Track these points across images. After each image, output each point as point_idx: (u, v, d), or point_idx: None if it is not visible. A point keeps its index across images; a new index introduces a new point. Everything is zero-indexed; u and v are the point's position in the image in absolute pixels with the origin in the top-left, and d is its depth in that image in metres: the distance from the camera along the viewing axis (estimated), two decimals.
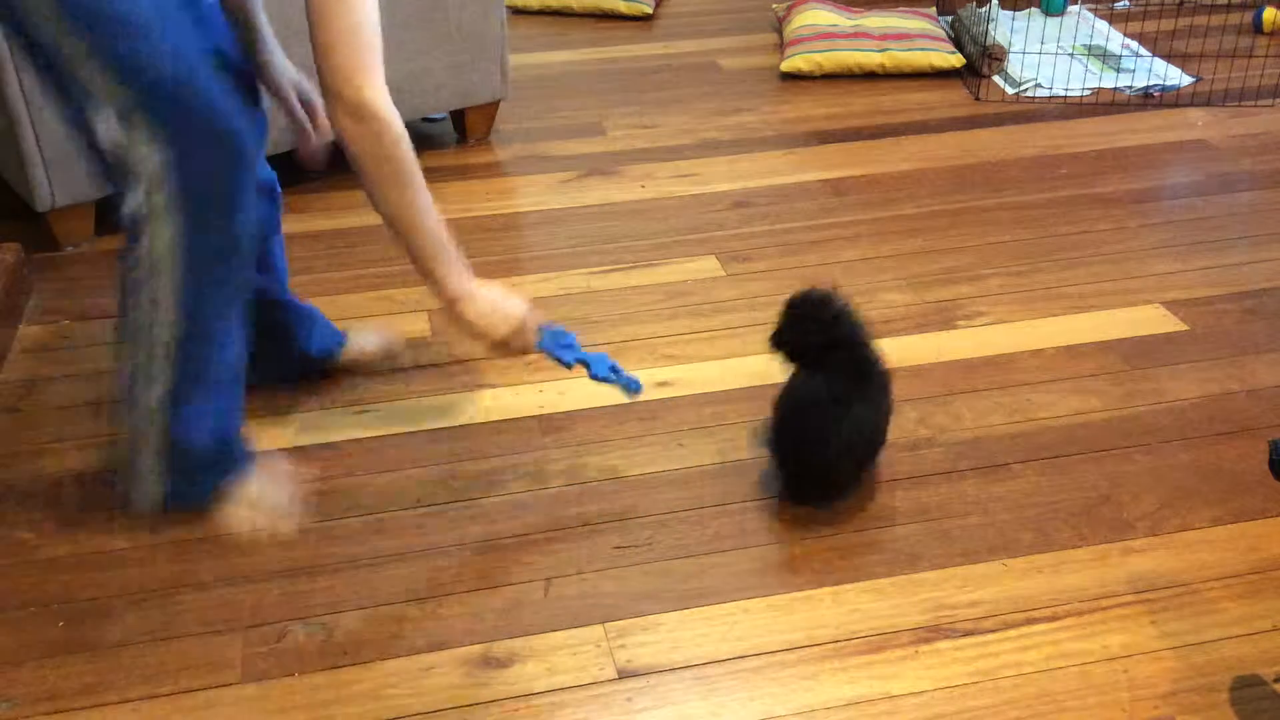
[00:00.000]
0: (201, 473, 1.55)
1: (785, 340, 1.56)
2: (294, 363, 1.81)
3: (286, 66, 1.67)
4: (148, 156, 1.37)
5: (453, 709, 1.29)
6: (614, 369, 1.64)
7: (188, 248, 1.42)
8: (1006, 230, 2.28)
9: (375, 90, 1.39)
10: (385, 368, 1.88)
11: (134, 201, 1.40)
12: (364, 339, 1.88)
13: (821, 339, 1.53)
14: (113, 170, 1.41)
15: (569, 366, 1.62)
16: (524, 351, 1.60)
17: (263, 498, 1.58)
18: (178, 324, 1.45)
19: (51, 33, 1.33)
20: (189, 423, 1.50)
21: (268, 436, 1.73)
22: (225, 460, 1.56)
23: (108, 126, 1.37)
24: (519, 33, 3.42)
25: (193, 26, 1.40)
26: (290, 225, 2.16)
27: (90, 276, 2.17)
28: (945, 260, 2.17)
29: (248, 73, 1.53)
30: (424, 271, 1.51)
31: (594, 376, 1.63)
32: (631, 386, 1.63)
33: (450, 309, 1.54)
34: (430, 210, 1.48)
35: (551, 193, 2.47)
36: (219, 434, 1.54)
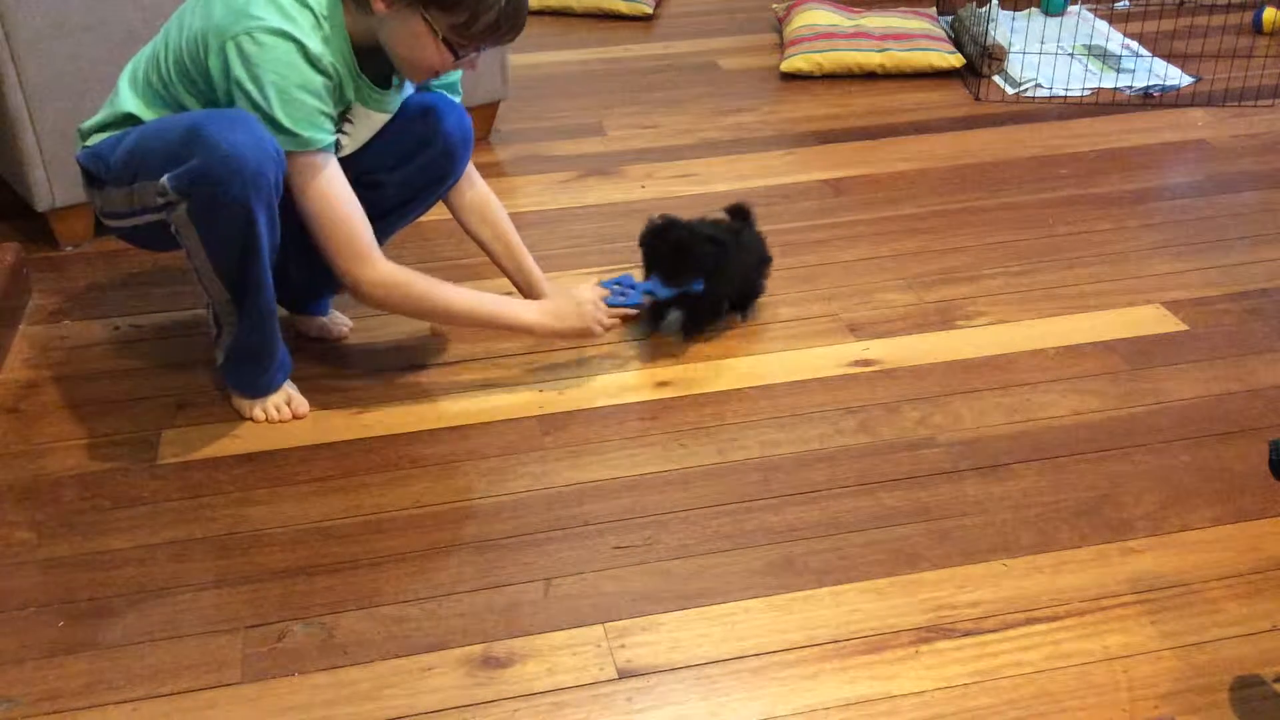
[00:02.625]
0: (250, 373, 1.76)
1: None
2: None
3: None
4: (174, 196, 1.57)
5: (453, 709, 1.29)
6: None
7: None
8: (1006, 230, 2.28)
9: (371, 268, 1.64)
10: (386, 366, 1.88)
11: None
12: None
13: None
14: None
15: (641, 306, 1.92)
16: (605, 326, 1.85)
17: (291, 399, 1.79)
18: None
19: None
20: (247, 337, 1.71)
21: (268, 436, 1.73)
22: (269, 370, 1.75)
23: None
24: None
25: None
26: None
27: (90, 276, 2.17)
28: (945, 260, 2.17)
29: None
30: (499, 332, 1.86)
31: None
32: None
33: (533, 337, 1.88)
34: (470, 305, 1.74)
35: (551, 193, 2.47)
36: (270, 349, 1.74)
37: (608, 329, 1.86)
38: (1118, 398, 1.79)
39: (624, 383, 1.85)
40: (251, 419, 1.77)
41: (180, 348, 1.95)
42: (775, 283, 2.10)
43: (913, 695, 1.30)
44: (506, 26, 1.58)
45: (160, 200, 1.56)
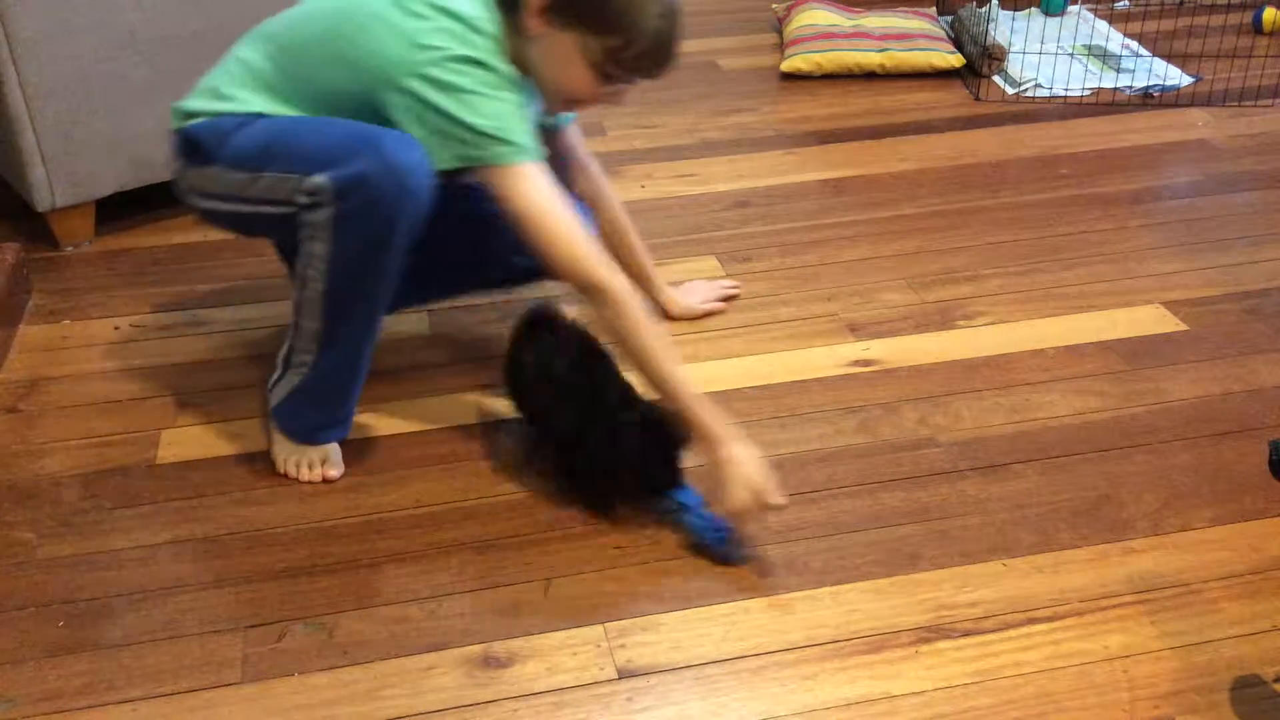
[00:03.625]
0: (308, 418, 1.66)
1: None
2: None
3: None
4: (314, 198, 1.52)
5: (453, 709, 1.29)
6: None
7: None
8: (1006, 230, 2.28)
9: (599, 275, 1.51)
10: (386, 366, 1.88)
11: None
12: None
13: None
14: None
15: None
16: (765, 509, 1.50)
17: (328, 459, 1.67)
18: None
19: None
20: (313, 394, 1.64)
21: (266, 437, 1.73)
22: (329, 423, 1.67)
23: None
24: None
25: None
26: None
27: (90, 276, 2.18)
28: (945, 260, 2.17)
29: None
30: (689, 419, 1.52)
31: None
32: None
33: (716, 454, 1.49)
34: (669, 359, 1.52)
35: None
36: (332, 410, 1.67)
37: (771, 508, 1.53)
38: (1118, 398, 1.79)
39: None
40: (283, 472, 1.66)
41: (180, 348, 1.95)
42: (776, 283, 2.10)
43: (913, 695, 1.30)
44: (659, 57, 1.53)
45: (304, 199, 1.50)
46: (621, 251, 1.89)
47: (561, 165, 1.75)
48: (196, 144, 1.60)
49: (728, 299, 2.05)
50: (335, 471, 1.66)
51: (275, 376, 1.66)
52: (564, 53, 1.52)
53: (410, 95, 1.48)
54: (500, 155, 1.49)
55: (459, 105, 1.47)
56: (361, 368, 1.64)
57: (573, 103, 1.63)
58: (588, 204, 1.84)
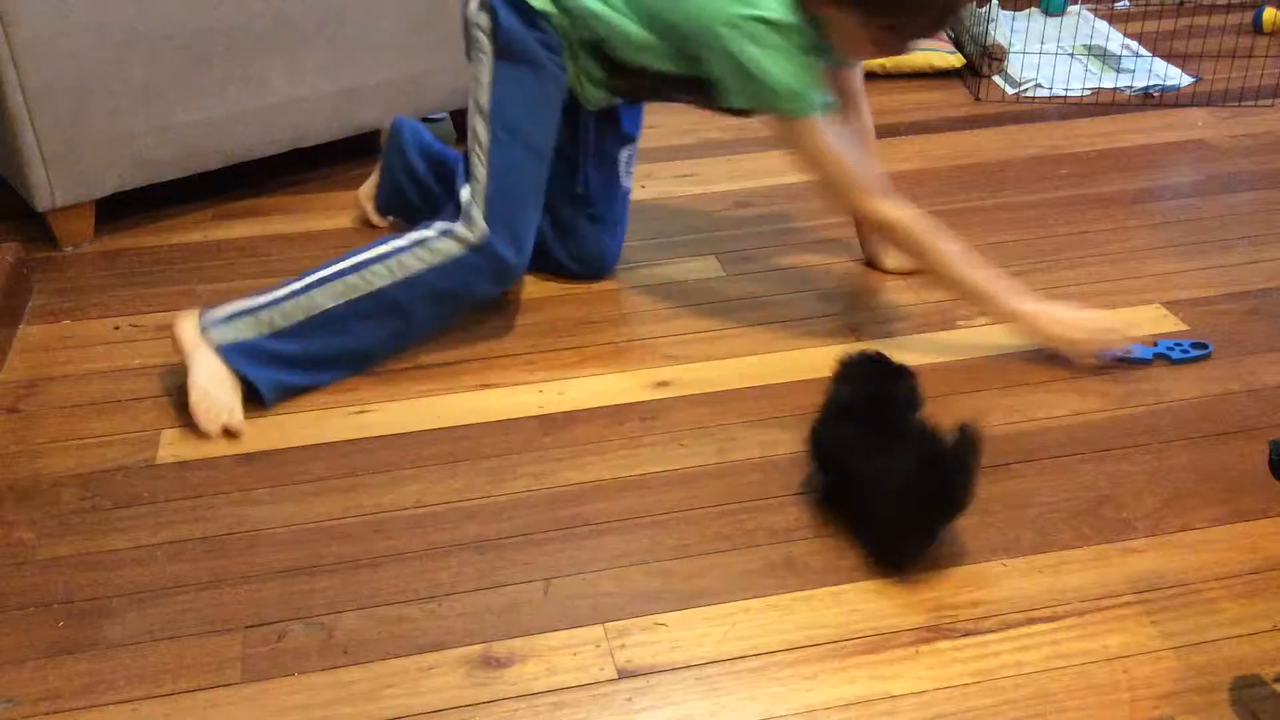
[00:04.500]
0: (260, 368, 1.77)
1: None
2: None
3: None
4: (461, 234, 1.82)
5: (453, 709, 1.29)
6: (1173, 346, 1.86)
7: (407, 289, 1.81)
8: (1006, 230, 2.28)
9: (876, 203, 1.84)
10: (386, 366, 1.88)
11: (427, 230, 1.83)
12: None
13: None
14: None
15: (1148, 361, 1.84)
16: (1091, 351, 1.84)
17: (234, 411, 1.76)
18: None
19: (478, 102, 1.85)
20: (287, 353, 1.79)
21: (269, 436, 1.73)
22: (276, 385, 1.79)
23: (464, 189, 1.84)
24: None
25: (545, 161, 1.88)
26: (290, 225, 2.16)
27: (90, 276, 2.18)
28: None
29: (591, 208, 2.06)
30: (978, 306, 1.90)
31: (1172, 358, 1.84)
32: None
33: (1018, 329, 1.85)
34: (963, 263, 1.84)
35: None
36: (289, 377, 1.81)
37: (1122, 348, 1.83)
38: (1118, 398, 1.79)
39: (624, 383, 1.85)
40: (191, 403, 1.72)
41: None
42: (776, 283, 2.10)
43: (913, 695, 1.30)
44: (934, 28, 1.78)
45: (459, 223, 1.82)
46: None
47: (842, 100, 2.01)
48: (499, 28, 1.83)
49: None
50: (240, 427, 1.74)
51: (256, 305, 1.78)
52: (848, 29, 1.74)
53: (723, 41, 1.72)
54: (793, 110, 1.75)
55: (764, 58, 1.71)
56: (334, 368, 1.83)
57: (867, 57, 1.93)
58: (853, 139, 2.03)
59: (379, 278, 1.79)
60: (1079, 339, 1.82)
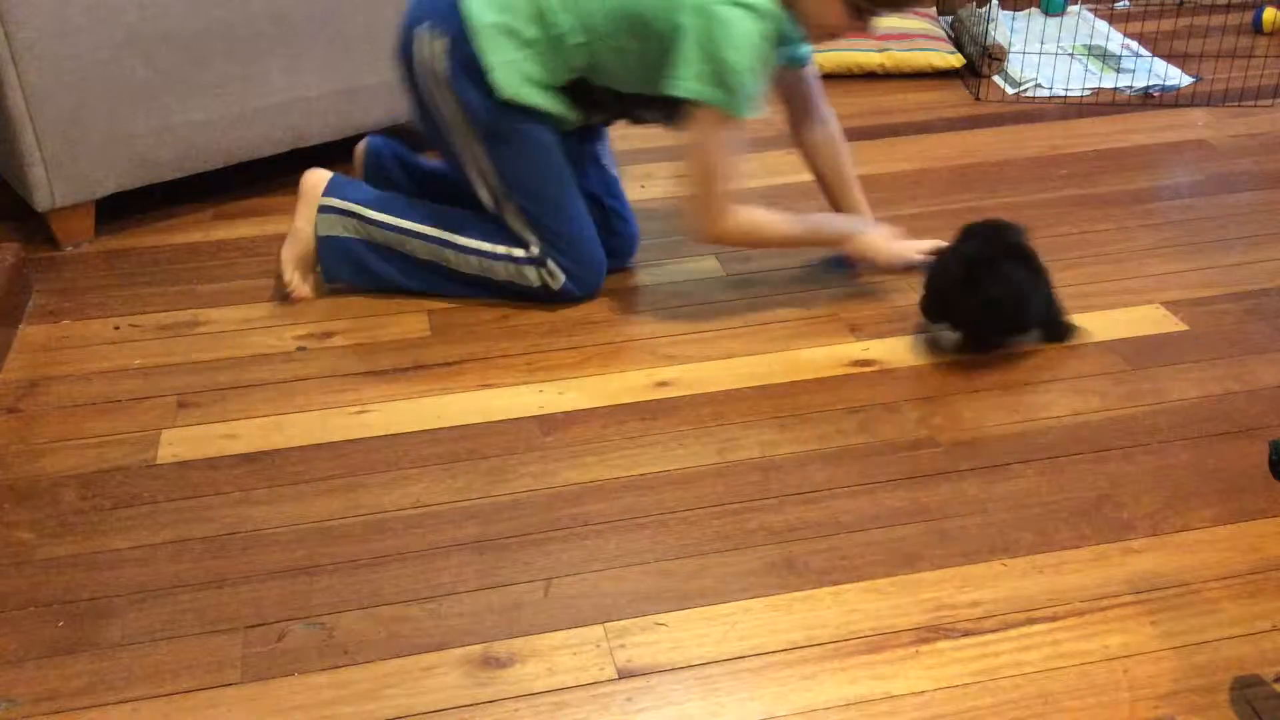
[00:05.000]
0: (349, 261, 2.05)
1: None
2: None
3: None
4: (542, 255, 1.98)
5: (453, 709, 1.29)
6: None
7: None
8: None
9: (719, 228, 1.89)
10: (386, 366, 1.88)
11: (520, 250, 1.98)
12: None
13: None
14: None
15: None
16: (921, 254, 1.98)
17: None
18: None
19: (489, 183, 1.96)
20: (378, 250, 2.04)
21: (269, 436, 1.73)
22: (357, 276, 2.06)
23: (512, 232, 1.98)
24: None
25: (579, 197, 1.98)
26: (289, 225, 2.15)
27: (90, 276, 2.18)
28: None
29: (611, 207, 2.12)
30: (820, 245, 2.08)
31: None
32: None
33: (847, 247, 2.03)
34: (795, 227, 1.97)
35: None
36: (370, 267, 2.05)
37: (921, 257, 1.98)
38: (1118, 398, 1.79)
39: (624, 383, 1.85)
40: (282, 270, 2.06)
41: (180, 348, 1.95)
42: (776, 282, 2.10)
43: (913, 695, 1.30)
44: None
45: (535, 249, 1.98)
46: (831, 193, 2.15)
47: (791, 100, 2.07)
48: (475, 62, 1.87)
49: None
50: (305, 291, 2.06)
51: (354, 212, 2.00)
52: None
53: (687, 20, 1.72)
54: (725, 102, 1.75)
55: (726, 52, 1.71)
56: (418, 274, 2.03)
57: (826, 35, 1.86)
58: (806, 146, 2.12)
59: (467, 266, 1.99)
60: (881, 253, 2.01)
